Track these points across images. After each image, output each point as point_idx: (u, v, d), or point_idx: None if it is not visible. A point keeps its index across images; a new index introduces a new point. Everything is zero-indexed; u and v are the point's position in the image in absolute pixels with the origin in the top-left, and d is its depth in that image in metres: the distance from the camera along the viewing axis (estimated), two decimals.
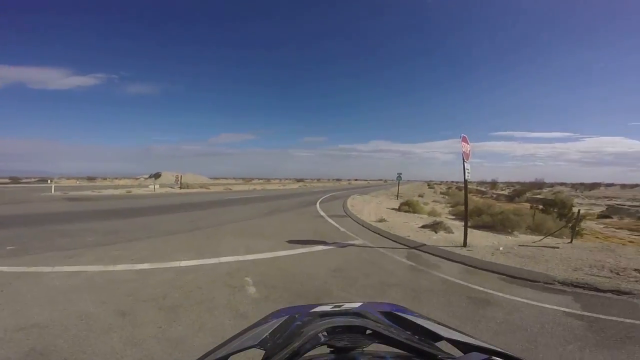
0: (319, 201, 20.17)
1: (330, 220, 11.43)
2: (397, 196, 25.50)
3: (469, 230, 8.04)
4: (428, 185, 76.89)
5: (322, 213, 13.76)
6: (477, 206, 14.56)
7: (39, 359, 2.57)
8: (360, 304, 1.00)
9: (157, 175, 67.16)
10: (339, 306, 0.98)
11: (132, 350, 2.72)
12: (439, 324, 0.88)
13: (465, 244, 7.30)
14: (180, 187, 35.23)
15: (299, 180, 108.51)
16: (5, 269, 4.98)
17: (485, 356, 0.65)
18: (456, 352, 0.72)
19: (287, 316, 0.90)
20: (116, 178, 79.97)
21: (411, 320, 0.87)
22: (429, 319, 0.91)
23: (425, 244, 7.43)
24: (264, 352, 0.71)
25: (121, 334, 3.00)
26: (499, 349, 0.70)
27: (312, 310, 0.93)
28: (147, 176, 76.31)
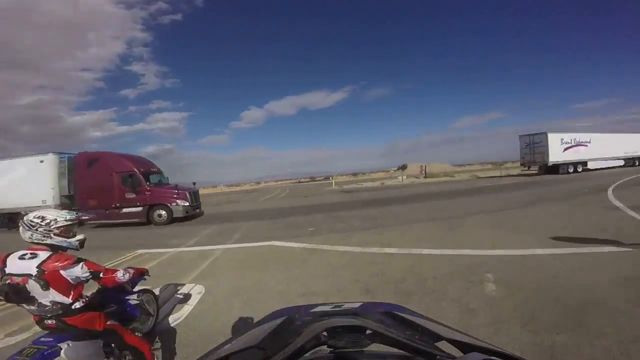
0: (613, 185, 14.51)
1: (632, 214, 7.96)
2: None
3: None
4: None
5: (617, 203, 9.84)
6: None
7: None
8: (360, 304, 0.99)
9: (403, 167, 72.00)
10: (339, 306, 0.98)
11: None
12: (439, 324, 0.86)
13: None
14: (425, 177, 36.17)
15: None
16: (308, 246, 6.94)
17: (485, 356, 0.63)
18: (456, 352, 0.70)
19: (287, 316, 0.90)
20: (372, 172, 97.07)
21: (411, 320, 0.86)
22: (429, 319, 0.90)
23: None
24: (264, 352, 0.71)
25: None
26: (499, 349, 0.68)
27: (312, 310, 0.93)
28: (395, 168, 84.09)
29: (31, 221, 2.01)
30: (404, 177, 37.35)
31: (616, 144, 27.93)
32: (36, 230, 1.99)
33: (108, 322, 2.20)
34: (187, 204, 12.45)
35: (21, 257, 1.94)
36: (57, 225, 2.03)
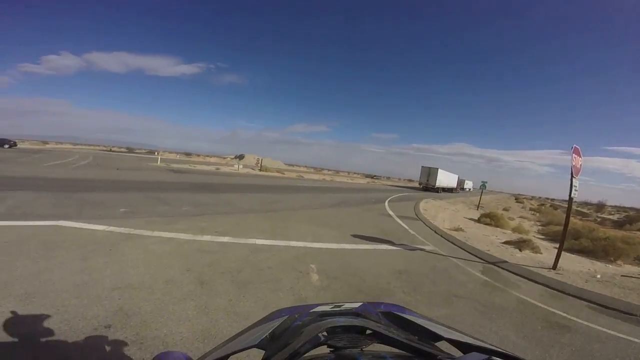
0: (388, 200, 19.70)
1: (398, 221, 11.15)
2: (478, 206, 23.55)
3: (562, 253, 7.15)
4: (516, 198, 68.73)
5: (390, 212, 13.48)
6: (576, 228, 12.70)
7: (123, 319, 2.84)
8: (360, 303, 1.00)
9: (240, 157, 73.55)
10: (339, 306, 0.99)
11: (202, 319, 3.00)
12: (439, 324, 0.88)
13: (555, 267, 6.50)
14: (260, 170, 37.88)
15: (367, 176, 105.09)
16: (118, 229, 5.86)
17: (485, 356, 0.64)
18: (456, 352, 0.71)
19: (287, 316, 0.91)
20: (207, 156, 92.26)
21: (411, 320, 0.87)
22: (429, 319, 0.91)
23: (505, 261, 6.81)
24: (264, 352, 0.71)
25: (197, 303, 3.33)
26: (499, 349, 0.69)
27: (312, 310, 0.94)
28: (232, 157, 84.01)
29: None
30: (241, 166, 37.67)
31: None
32: None
33: None
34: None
35: None
36: None
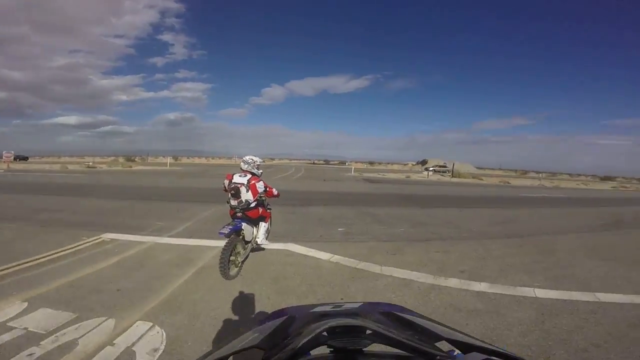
0: None
1: None
2: None
3: None
4: None
5: None
6: None
7: None
8: (360, 304, 0.99)
9: (423, 162, 71.74)
10: (339, 306, 0.97)
11: None
12: (439, 324, 0.85)
13: None
14: (452, 175, 34.36)
15: (604, 179, 68.05)
16: (342, 260, 4.83)
17: (485, 356, 0.62)
18: (456, 352, 0.68)
19: (287, 316, 0.90)
20: (389, 163, 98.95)
21: (411, 320, 0.84)
22: (429, 319, 0.89)
23: None
24: (264, 352, 0.67)
25: None
26: (499, 349, 0.66)
27: (312, 310, 0.92)
28: (413, 162, 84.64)
29: (249, 160, 4.54)
30: (430, 172, 35.80)
31: None
32: (250, 164, 4.51)
33: (261, 211, 4.61)
34: None
35: (239, 176, 4.42)
36: (258, 164, 4.61)
